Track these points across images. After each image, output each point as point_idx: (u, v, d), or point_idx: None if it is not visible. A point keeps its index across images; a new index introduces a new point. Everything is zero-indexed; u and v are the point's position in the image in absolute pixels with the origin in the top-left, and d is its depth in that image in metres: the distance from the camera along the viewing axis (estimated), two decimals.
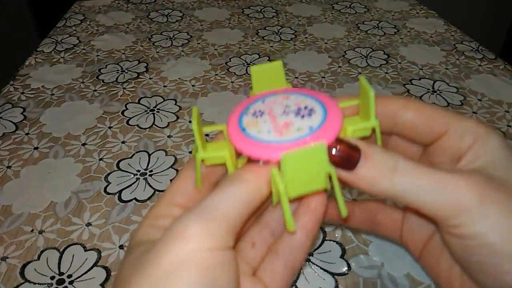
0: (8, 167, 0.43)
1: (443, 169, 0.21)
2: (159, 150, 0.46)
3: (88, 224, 0.37)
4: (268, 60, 0.63)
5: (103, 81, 0.58)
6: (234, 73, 0.60)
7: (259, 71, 0.26)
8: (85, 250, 0.35)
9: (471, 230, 0.21)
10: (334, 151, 0.22)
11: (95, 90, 0.56)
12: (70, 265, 0.33)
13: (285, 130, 0.22)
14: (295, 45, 0.68)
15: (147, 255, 0.18)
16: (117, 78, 0.58)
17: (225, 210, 0.19)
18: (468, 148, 0.23)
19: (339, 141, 0.22)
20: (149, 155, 0.45)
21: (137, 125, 0.49)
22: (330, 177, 0.22)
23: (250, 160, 0.22)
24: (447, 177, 0.21)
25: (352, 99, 0.25)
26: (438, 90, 0.56)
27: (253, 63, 0.62)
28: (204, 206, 0.19)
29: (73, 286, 0.32)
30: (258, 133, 0.22)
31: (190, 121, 0.50)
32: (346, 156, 0.22)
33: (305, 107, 0.23)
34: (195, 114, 0.23)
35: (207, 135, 0.47)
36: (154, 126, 0.49)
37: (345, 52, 0.66)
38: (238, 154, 0.24)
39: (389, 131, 0.26)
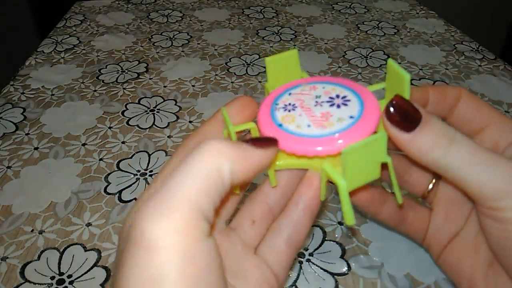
0: (8, 167, 0.43)
1: (497, 153, 0.21)
2: (159, 150, 0.46)
3: (88, 224, 0.37)
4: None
5: (103, 81, 0.58)
6: (234, 73, 0.60)
7: (274, 62, 0.24)
8: (85, 250, 0.35)
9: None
10: (392, 109, 0.21)
11: (95, 91, 0.56)
12: (70, 265, 0.33)
13: (326, 122, 0.21)
14: (295, 45, 0.68)
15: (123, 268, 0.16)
16: (117, 79, 0.58)
17: (186, 195, 0.17)
18: (506, 146, 0.24)
19: (400, 98, 0.21)
20: (149, 155, 0.45)
21: (137, 125, 0.49)
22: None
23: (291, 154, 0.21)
24: (503, 161, 0.21)
25: (379, 83, 0.24)
26: None
27: (253, 64, 0.62)
28: (162, 195, 0.17)
29: (73, 286, 0.32)
30: (297, 128, 0.21)
31: (190, 121, 0.50)
32: (407, 114, 0.21)
33: (337, 96, 0.23)
34: (226, 118, 0.22)
35: None
36: (154, 126, 0.49)
37: (345, 52, 0.66)
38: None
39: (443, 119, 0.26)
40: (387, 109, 0.21)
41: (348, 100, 0.22)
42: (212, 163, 0.17)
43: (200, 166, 0.17)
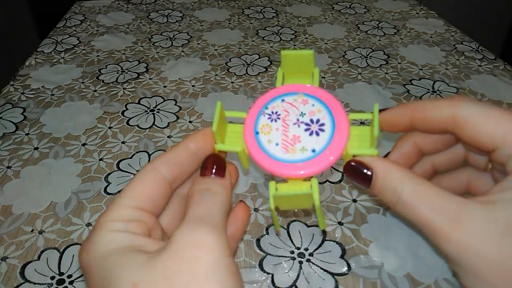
0: (8, 167, 0.43)
1: (438, 205, 0.22)
2: (159, 150, 0.46)
3: (88, 224, 0.37)
4: (268, 60, 0.63)
5: (103, 81, 0.58)
6: (234, 73, 0.60)
7: (289, 57, 0.26)
8: None
9: (458, 271, 0.23)
10: (347, 170, 0.25)
11: (95, 91, 0.56)
12: (70, 265, 0.33)
13: (290, 147, 0.25)
14: (295, 45, 0.68)
15: (166, 264, 0.19)
16: (117, 79, 0.58)
17: (217, 219, 0.21)
18: None
19: (353, 160, 0.25)
20: (149, 156, 0.45)
21: (137, 125, 0.49)
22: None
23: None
24: (429, 221, 0.22)
25: (361, 113, 0.27)
26: (438, 90, 0.56)
27: (253, 64, 0.62)
28: (204, 216, 0.21)
29: (73, 286, 0.32)
30: (268, 142, 0.25)
31: (190, 121, 0.50)
32: (356, 176, 0.25)
33: (317, 121, 0.25)
34: (218, 109, 0.25)
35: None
36: (154, 126, 0.49)
37: (345, 52, 0.66)
38: None
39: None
40: (344, 168, 0.25)
41: (322, 130, 0.25)
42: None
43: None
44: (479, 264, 0.21)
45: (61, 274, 0.33)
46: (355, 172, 0.25)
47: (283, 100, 0.26)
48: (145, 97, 0.54)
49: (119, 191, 0.40)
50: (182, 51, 0.66)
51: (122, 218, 0.22)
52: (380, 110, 0.28)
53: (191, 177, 0.27)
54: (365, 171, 0.24)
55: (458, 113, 0.25)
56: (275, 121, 0.26)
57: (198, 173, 0.25)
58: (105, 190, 0.40)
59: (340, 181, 0.41)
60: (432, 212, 0.22)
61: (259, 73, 0.60)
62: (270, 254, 0.34)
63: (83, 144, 0.46)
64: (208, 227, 0.20)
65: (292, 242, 0.35)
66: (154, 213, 0.23)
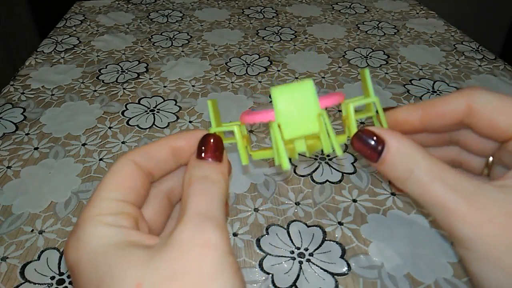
0: (8, 167, 0.43)
1: (452, 185, 0.21)
2: None
3: None
4: (268, 60, 0.63)
5: (103, 81, 0.58)
6: (234, 73, 0.60)
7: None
8: None
9: (467, 256, 0.21)
10: (356, 139, 0.23)
11: (95, 91, 0.56)
12: None
13: None
14: (295, 45, 0.68)
15: (171, 264, 0.19)
16: (117, 79, 0.58)
17: (219, 215, 0.21)
18: None
19: (363, 130, 0.23)
20: None
21: (137, 126, 0.49)
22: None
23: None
24: (442, 199, 0.21)
25: (365, 112, 0.26)
26: (438, 90, 0.56)
27: (253, 64, 0.62)
28: (206, 211, 0.20)
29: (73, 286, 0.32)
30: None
31: (190, 121, 0.50)
32: (366, 148, 0.23)
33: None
34: (210, 105, 0.25)
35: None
36: (154, 126, 0.49)
37: (345, 52, 0.66)
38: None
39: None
40: (352, 139, 0.24)
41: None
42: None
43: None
44: (496, 248, 0.20)
45: (61, 274, 0.33)
46: (365, 143, 0.23)
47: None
48: (145, 97, 0.54)
49: None
50: (182, 51, 0.66)
51: (110, 212, 0.21)
52: (385, 109, 0.27)
53: (171, 174, 0.26)
54: (375, 143, 0.23)
55: (474, 101, 0.24)
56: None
57: (194, 155, 0.24)
58: None
59: (340, 181, 0.41)
60: (448, 191, 0.21)
61: (259, 73, 0.60)
62: (270, 254, 0.34)
63: (83, 144, 0.46)
64: (212, 224, 0.20)
65: (292, 242, 0.35)
66: (137, 205, 0.23)
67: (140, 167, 0.23)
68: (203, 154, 0.23)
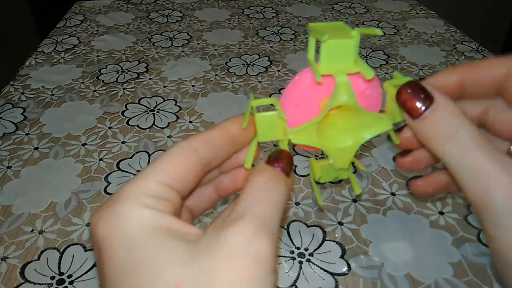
0: (8, 167, 0.43)
1: (494, 153, 0.21)
2: (159, 150, 0.46)
3: (88, 224, 0.37)
4: (268, 60, 0.63)
5: (103, 81, 0.58)
6: (234, 73, 0.60)
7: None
8: (85, 250, 0.35)
9: (498, 233, 0.20)
10: (404, 90, 0.23)
11: (95, 91, 0.56)
12: (70, 265, 0.33)
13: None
14: (295, 45, 0.68)
15: (215, 268, 0.17)
16: (117, 79, 0.58)
17: (277, 226, 0.19)
18: None
19: (413, 82, 0.23)
20: (149, 156, 0.45)
21: (137, 126, 0.49)
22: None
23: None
24: (483, 164, 0.20)
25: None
26: None
27: (253, 64, 0.62)
28: (265, 218, 0.19)
29: (73, 286, 0.32)
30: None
31: (190, 121, 0.50)
32: (414, 99, 0.22)
33: None
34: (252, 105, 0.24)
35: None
36: (154, 126, 0.49)
37: None
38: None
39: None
40: (400, 90, 0.23)
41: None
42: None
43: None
44: None
45: (61, 274, 0.33)
46: (414, 95, 0.22)
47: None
48: (145, 97, 0.54)
49: None
50: (182, 51, 0.66)
51: (152, 193, 0.19)
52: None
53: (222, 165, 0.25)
54: (424, 96, 0.22)
55: None
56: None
57: (262, 160, 0.22)
58: (105, 190, 0.40)
59: (340, 181, 0.41)
60: (488, 158, 0.20)
61: (259, 73, 0.60)
62: None
63: (83, 144, 0.46)
64: (269, 236, 0.18)
65: (292, 242, 0.35)
66: (182, 194, 0.21)
67: (200, 156, 0.21)
68: (274, 164, 0.22)
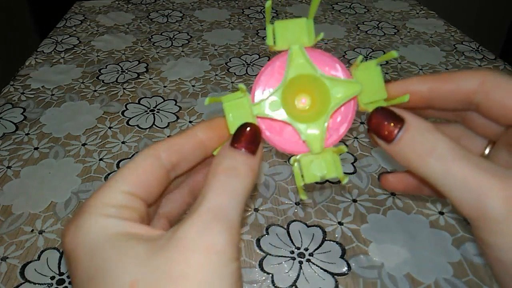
0: (8, 167, 0.43)
1: (478, 161, 0.20)
2: None
3: None
4: (268, 60, 0.63)
5: (103, 81, 0.58)
6: (234, 73, 0.60)
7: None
8: None
9: (495, 240, 0.20)
10: (374, 117, 0.22)
11: (95, 91, 0.56)
12: None
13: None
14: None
15: (170, 265, 0.17)
16: (117, 79, 0.58)
17: (235, 215, 0.19)
18: None
19: (380, 108, 0.23)
20: None
21: (137, 126, 0.49)
22: None
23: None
24: (470, 174, 0.20)
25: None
26: None
27: (253, 64, 0.62)
28: (221, 209, 0.19)
29: None
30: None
31: (190, 121, 0.50)
32: (385, 125, 0.22)
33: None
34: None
35: None
36: (154, 126, 0.49)
37: (345, 52, 0.66)
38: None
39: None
40: (368, 118, 0.23)
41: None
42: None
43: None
44: None
45: (61, 274, 0.33)
46: (384, 119, 0.22)
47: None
48: (145, 97, 0.54)
49: None
50: (182, 51, 0.66)
51: (114, 203, 0.20)
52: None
53: (199, 168, 0.25)
54: (394, 120, 0.22)
55: (487, 81, 0.23)
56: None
57: (227, 143, 0.22)
58: None
59: (340, 181, 0.41)
60: (474, 167, 0.20)
61: None
62: (270, 254, 0.34)
63: (83, 144, 0.46)
64: (222, 226, 0.18)
65: (292, 242, 0.35)
66: (147, 200, 0.21)
67: (163, 162, 0.22)
68: (238, 144, 0.21)
